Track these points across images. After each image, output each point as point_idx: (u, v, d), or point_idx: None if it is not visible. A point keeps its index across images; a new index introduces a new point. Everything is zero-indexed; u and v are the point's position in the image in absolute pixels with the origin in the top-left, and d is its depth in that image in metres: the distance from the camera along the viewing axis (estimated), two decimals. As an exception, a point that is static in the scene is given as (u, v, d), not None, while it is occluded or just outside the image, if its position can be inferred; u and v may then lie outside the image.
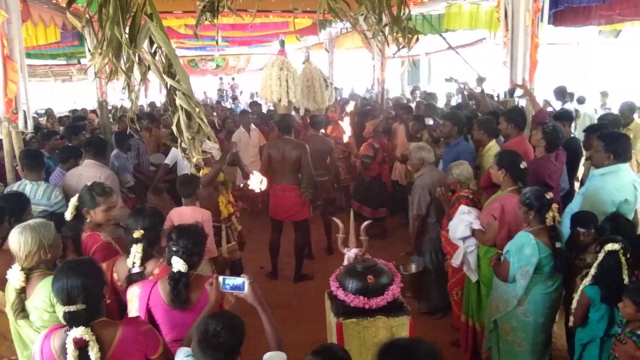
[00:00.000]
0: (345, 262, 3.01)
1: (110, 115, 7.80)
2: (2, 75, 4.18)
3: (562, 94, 8.64)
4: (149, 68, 1.76)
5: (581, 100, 9.49)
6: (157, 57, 1.80)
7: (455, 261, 3.78)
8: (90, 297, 2.01)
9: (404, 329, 2.72)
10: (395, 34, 2.37)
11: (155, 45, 1.77)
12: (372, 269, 2.80)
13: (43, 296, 2.42)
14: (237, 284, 2.22)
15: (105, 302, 2.15)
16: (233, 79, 20.85)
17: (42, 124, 10.01)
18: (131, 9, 1.71)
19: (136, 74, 1.81)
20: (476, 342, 3.86)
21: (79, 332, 1.95)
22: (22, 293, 2.47)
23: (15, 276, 2.45)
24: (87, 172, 4.42)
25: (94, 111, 9.92)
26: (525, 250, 3.07)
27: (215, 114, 11.30)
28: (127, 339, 2.05)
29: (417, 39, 2.46)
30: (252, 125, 7.72)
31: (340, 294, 2.74)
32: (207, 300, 2.40)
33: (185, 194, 4.14)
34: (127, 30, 1.71)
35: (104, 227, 3.27)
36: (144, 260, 2.72)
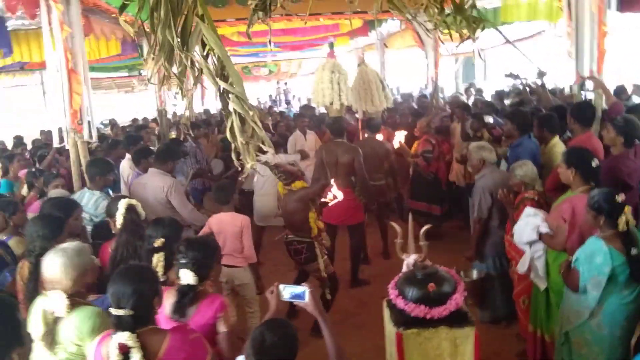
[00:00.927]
0: (404, 269, 2.89)
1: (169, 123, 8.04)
2: (67, 88, 4.37)
3: (619, 93, 7.85)
4: (202, 72, 1.74)
5: None
6: (209, 60, 1.78)
7: (522, 267, 3.56)
8: (139, 304, 2.02)
9: (468, 340, 2.57)
10: (458, 24, 2.22)
11: (207, 48, 1.74)
12: (434, 277, 2.67)
13: (74, 328, 2.28)
14: (298, 292, 2.17)
15: (156, 312, 2.15)
16: (285, 83, 21.07)
17: (107, 134, 10.48)
18: (182, 11, 1.69)
19: (190, 78, 1.79)
20: (545, 354, 3.62)
21: (123, 337, 1.96)
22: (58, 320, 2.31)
23: (60, 304, 2.26)
24: (151, 181, 4.47)
25: (154, 120, 10.27)
26: (596, 258, 2.82)
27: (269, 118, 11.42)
28: (175, 347, 2.04)
29: (484, 28, 2.30)
30: (307, 129, 7.73)
31: (400, 302, 2.62)
32: (204, 316, 2.41)
33: (222, 201, 4.12)
34: (179, 34, 1.70)
35: None
36: (166, 269, 2.73)
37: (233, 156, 1.82)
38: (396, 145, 6.47)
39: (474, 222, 4.27)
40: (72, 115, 4.44)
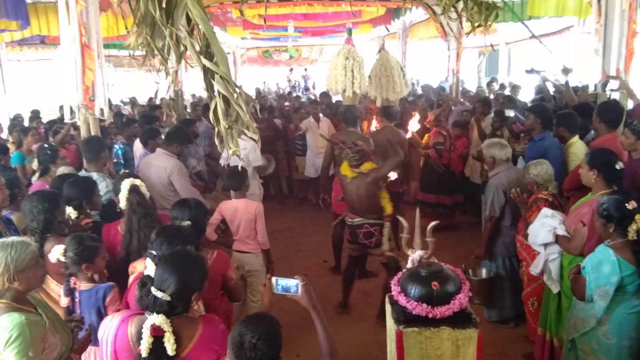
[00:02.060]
0: (409, 265, 2.79)
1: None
2: (80, 63, 4.32)
3: None
4: (186, 49, 1.65)
5: None
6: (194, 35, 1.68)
7: (535, 269, 3.44)
8: (179, 293, 1.99)
9: (471, 342, 2.48)
10: (470, 10, 2.08)
11: (192, 23, 1.65)
12: (438, 275, 2.57)
13: None
14: (291, 285, 2.09)
15: (192, 305, 2.10)
16: (306, 69, 20.90)
17: (127, 112, 10.49)
18: None
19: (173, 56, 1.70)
20: (553, 358, 3.51)
21: (158, 319, 1.92)
22: None
23: None
24: (156, 161, 4.48)
25: (172, 99, 10.22)
26: (603, 268, 2.70)
27: (287, 104, 11.30)
28: (207, 337, 2.01)
29: (497, 15, 2.16)
30: (322, 115, 7.65)
31: (402, 299, 2.53)
32: None
33: (234, 187, 4.06)
34: (163, 6, 1.61)
35: None
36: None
37: (216, 140, 1.73)
38: (408, 135, 6.34)
39: (485, 221, 4.15)
40: (84, 91, 4.39)
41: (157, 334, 1.91)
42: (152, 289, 2.00)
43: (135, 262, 2.80)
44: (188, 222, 2.77)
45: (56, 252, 2.62)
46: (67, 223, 3.11)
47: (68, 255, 2.60)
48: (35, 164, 4.75)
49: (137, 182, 3.18)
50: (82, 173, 4.17)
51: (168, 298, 1.96)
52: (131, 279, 2.70)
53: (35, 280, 2.17)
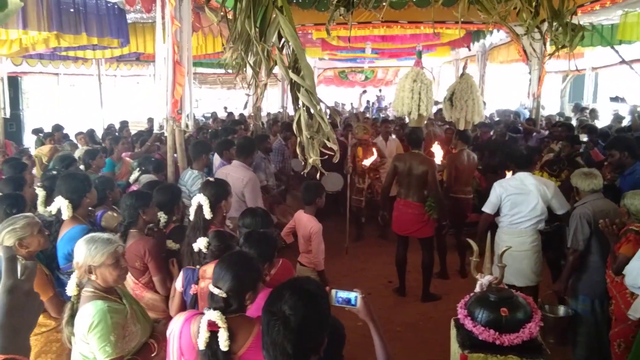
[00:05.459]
0: (478, 289, 2.74)
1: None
2: (171, 78, 4.65)
3: None
4: (276, 63, 1.77)
5: None
6: (284, 52, 1.80)
7: (635, 313, 3.11)
8: (234, 290, 2.10)
9: (540, 375, 2.38)
10: (554, 31, 2.04)
11: (282, 40, 1.76)
12: (508, 301, 2.50)
13: (77, 320, 2.25)
14: (349, 297, 2.12)
15: (247, 304, 2.19)
16: (380, 90, 21.01)
17: (209, 126, 11.14)
18: (263, 2, 1.73)
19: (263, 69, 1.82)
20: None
21: (213, 315, 2.02)
22: None
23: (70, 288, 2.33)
24: (234, 172, 4.61)
25: (251, 116, 10.71)
26: None
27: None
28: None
29: (583, 37, 2.09)
30: (393, 136, 7.68)
31: (468, 323, 2.49)
32: (259, 308, 2.36)
33: (305, 200, 4.14)
34: (258, 24, 1.74)
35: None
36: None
37: (297, 150, 1.82)
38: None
39: (568, 254, 3.85)
40: (173, 104, 4.71)
41: (213, 329, 2.00)
42: (210, 285, 2.12)
43: (205, 266, 2.93)
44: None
45: (200, 243, 2.81)
46: (155, 226, 3.34)
47: (210, 249, 2.81)
48: (136, 171, 5.12)
49: (203, 200, 3.20)
50: (187, 170, 4.67)
51: (224, 295, 2.07)
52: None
53: (111, 278, 2.28)
